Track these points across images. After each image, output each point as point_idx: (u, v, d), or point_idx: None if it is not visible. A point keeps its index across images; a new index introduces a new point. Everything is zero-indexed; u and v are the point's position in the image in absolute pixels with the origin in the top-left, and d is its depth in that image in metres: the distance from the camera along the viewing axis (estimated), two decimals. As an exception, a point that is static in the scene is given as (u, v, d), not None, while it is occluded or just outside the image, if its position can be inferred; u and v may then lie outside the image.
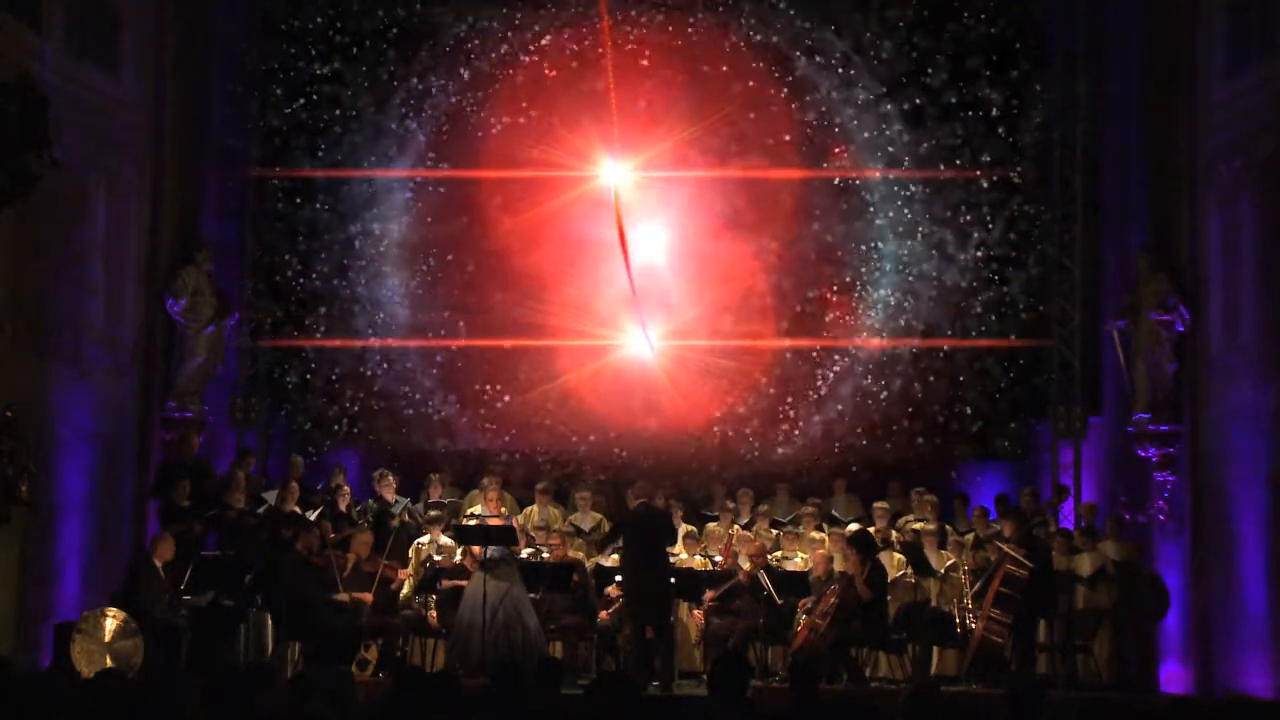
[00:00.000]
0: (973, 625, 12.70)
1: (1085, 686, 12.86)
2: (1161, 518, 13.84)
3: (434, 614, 12.93)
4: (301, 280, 15.25)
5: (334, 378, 15.17)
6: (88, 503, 12.95)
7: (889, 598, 12.91)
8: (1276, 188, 12.49)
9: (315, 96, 15.22)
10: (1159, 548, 13.87)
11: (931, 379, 15.06)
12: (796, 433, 15.06)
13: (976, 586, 12.84)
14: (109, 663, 10.99)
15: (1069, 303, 15.23)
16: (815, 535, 13.83)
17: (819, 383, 15.13)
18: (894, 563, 13.40)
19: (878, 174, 15.15)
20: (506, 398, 15.06)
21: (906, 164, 15.06)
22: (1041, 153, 15.25)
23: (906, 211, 15.17)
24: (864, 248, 15.23)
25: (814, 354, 15.18)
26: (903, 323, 15.11)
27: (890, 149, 15.08)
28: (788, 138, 15.08)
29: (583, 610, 12.89)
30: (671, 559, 12.76)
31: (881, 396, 15.04)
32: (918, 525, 13.84)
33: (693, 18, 15.15)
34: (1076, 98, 15.15)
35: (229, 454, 14.69)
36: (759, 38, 15.13)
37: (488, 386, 15.10)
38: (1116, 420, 14.53)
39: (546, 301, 15.05)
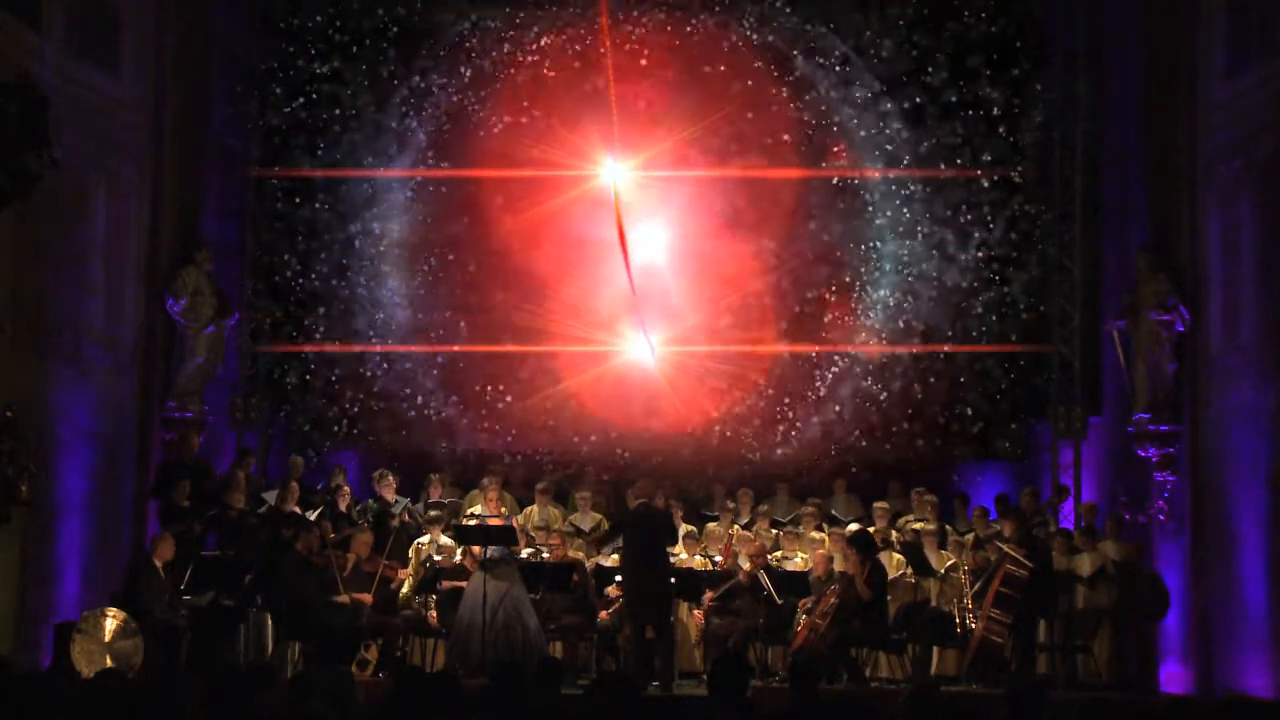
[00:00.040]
0: (973, 625, 12.70)
1: (1085, 686, 12.86)
2: (1161, 518, 13.84)
3: (434, 614, 12.93)
4: (301, 280, 15.24)
5: (333, 379, 15.17)
6: (88, 503, 12.95)
7: (889, 598, 12.90)
8: (1276, 188, 12.49)
9: (315, 96, 15.22)
10: (1159, 548, 13.87)
11: (932, 380, 15.06)
12: (794, 434, 15.05)
13: (976, 586, 12.83)
14: (109, 663, 10.98)
15: (1069, 303, 15.23)
16: (815, 535, 13.83)
17: (818, 384, 15.12)
18: (894, 563, 13.40)
19: (877, 174, 15.15)
20: (508, 398, 15.06)
21: (906, 163, 15.06)
22: (1041, 152, 15.25)
23: (906, 211, 15.17)
24: (864, 248, 15.23)
25: (813, 355, 15.18)
26: (902, 323, 15.11)
27: (889, 148, 15.08)
28: (787, 137, 15.08)
29: (583, 610, 12.88)
30: (671, 559, 12.76)
31: (882, 398, 15.04)
32: (918, 525, 13.84)
33: (693, 18, 15.15)
34: (1076, 98, 15.15)
35: (229, 454, 14.69)
36: (759, 37, 15.13)
37: (488, 388, 15.09)
38: (1116, 420, 14.53)
39: (547, 301, 15.05)
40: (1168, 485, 13.81)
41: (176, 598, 12.14)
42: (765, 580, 12.74)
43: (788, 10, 15.10)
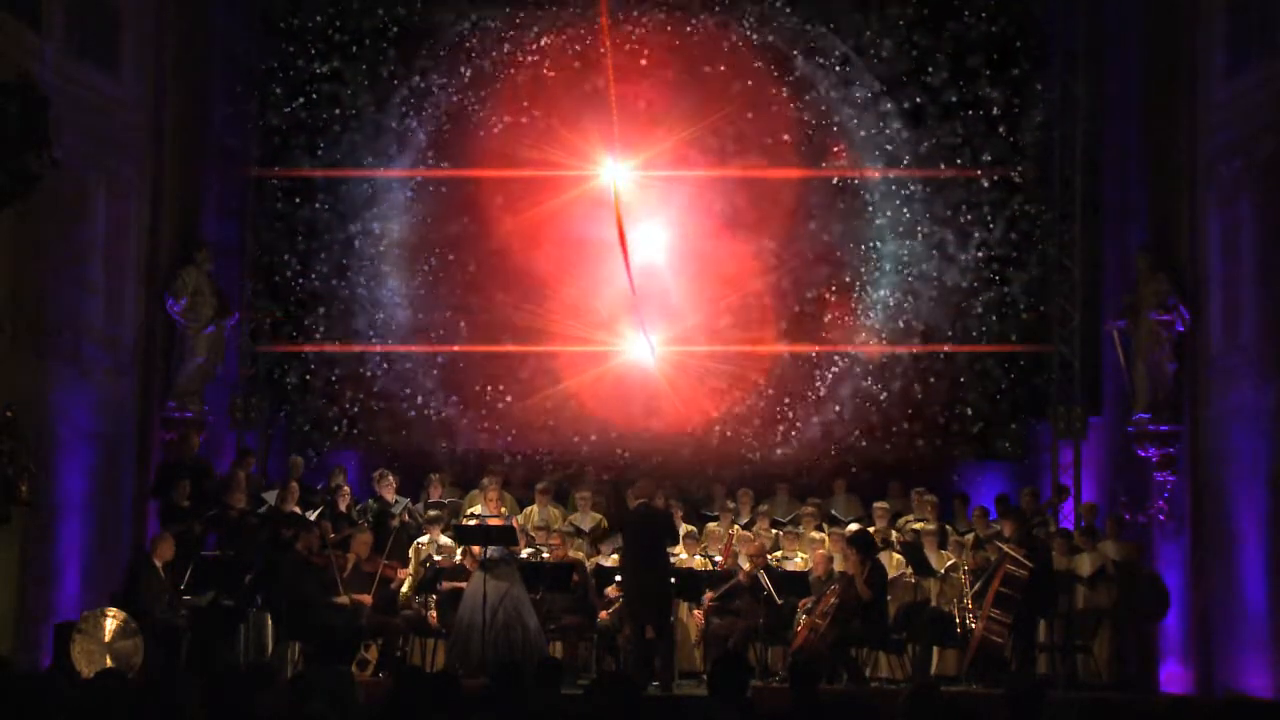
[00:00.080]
0: (973, 625, 12.70)
1: (1085, 686, 12.86)
2: (1161, 518, 13.83)
3: (434, 614, 12.92)
4: (301, 280, 15.24)
5: (333, 379, 15.17)
6: (88, 503, 12.95)
7: (889, 598, 12.90)
8: (1276, 188, 12.49)
9: (315, 96, 15.21)
10: (1159, 548, 13.87)
11: (932, 380, 15.06)
12: (794, 434, 15.05)
13: (976, 586, 12.83)
14: (109, 663, 10.98)
15: (1069, 303, 15.23)
16: (815, 535, 13.83)
17: (818, 384, 15.12)
18: (894, 563, 13.40)
19: (877, 174, 15.15)
20: (509, 398, 15.05)
21: (906, 163, 15.06)
22: (1041, 152, 15.25)
23: (906, 211, 15.16)
24: (864, 248, 15.23)
25: (814, 355, 15.18)
26: (902, 324, 15.11)
27: (889, 147, 15.08)
28: (787, 137, 15.08)
29: (583, 610, 12.89)
30: (671, 559, 12.76)
31: (882, 398, 15.04)
32: (918, 525, 13.84)
33: (693, 18, 15.14)
34: (1076, 98, 15.15)
35: (229, 454, 14.69)
36: (759, 37, 15.13)
37: (489, 388, 15.09)
38: (1116, 420, 14.53)
39: (547, 301, 15.04)
40: (1168, 485, 13.81)
41: (176, 598, 12.14)
42: (765, 580, 12.74)
43: (788, 10, 15.10)
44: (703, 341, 15.06)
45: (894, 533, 13.92)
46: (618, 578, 12.72)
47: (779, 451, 15.06)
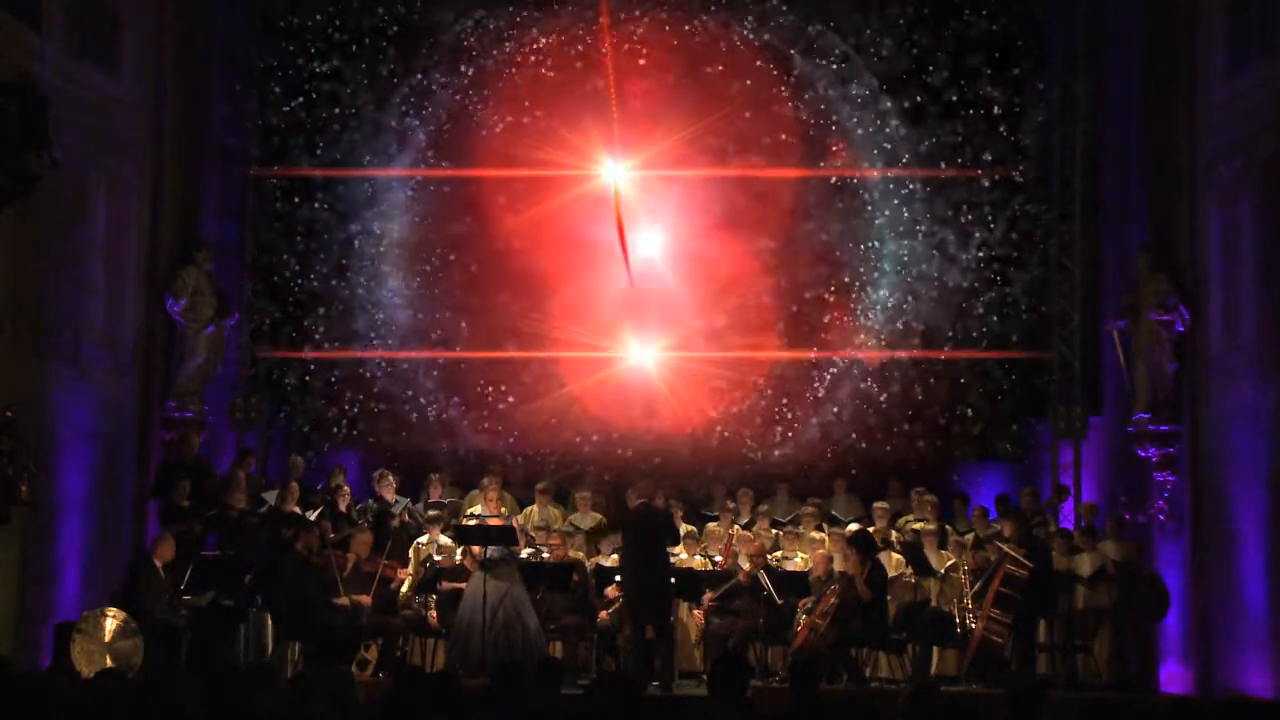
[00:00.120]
0: (973, 625, 12.70)
1: (1085, 686, 12.86)
2: (1161, 518, 13.83)
3: (434, 614, 12.92)
4: (301, 281, 15.23)
5: (333, 379, 15.15)
6: (88, 503, 12.95)
7: (889, 598, 12.91)
8: (1276, 188, 12.48)
9: (314, 95, 15.20)
10: (1159, 548, 13.87)
11: (932, 381, 15.05)
12: (793, 435, 15.05)
13: (976, 586, 12.83)
14: (109, 663, 10.98)
15: (1069, 303, 15.23)
16: (815, 535, 13.83)
17: (818, 386, 15.12)
18: (894, 563, 13.40)
19: (878, 173, 15.14)
20: (510, 399, 15.04)
21: (905, 161, 15.05)
22: (1041, 152, 15.24)
23: (906, 211, 15.16)
24: (864, 248, 15.22)
25: (815, 352, 15.17)
26: (901, 325, 15.10)
27: (887, 146, 15.07)
28: (784, 136, 15.05)
29: (583, 610, 12.89)
30: (672, 559, 12.76)
31: (882, 400, 15.03)
32: (918, 525, 13.84)
33: (693, 18, 15.13)
34: (1076, 98, 15.14)
35: (229, 454, 14.69)
36: (760, 37, 15.12)
37: (490, 389, 15.08)
38: (1116, 420, 14.53)
39: (548, 301, 15.02)
40: (1168, 485, 13.81)
41: (176, 598, 12.14)
42: (765, 580, 12.73)
43: (787, 10, 15.08)
44: (702, 344, 15.04)
45: (894, 533, 13.92)
46: (618, 578, 12.72)
47: (778, 452, 15.05)
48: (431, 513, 13.60)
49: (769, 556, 13.20)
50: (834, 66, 15.09)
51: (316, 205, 15.18)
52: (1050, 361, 15.21)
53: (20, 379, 11.93)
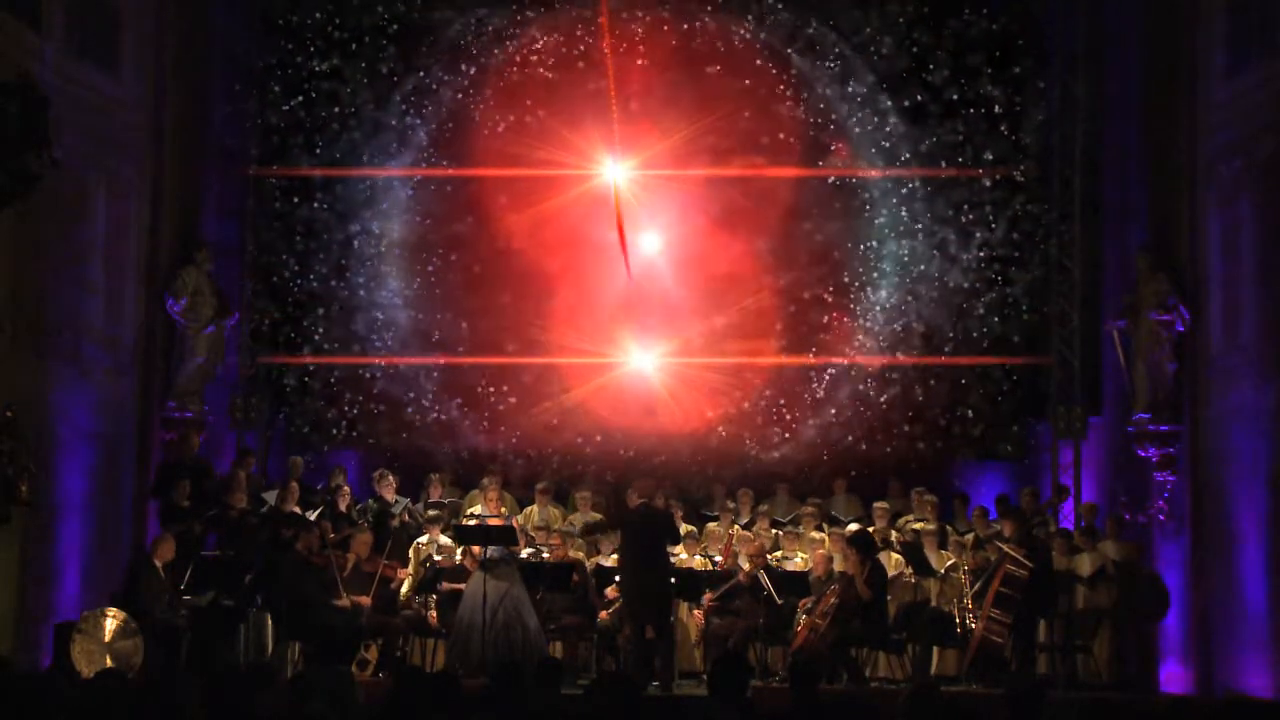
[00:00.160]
0: (973, 625, 12.69)
1: (1085, 686, 12.86)
2: (1161, 518, 13.83)
3: (434, 614, 12.92)
4: (300, 281, 15.22)
5: (333, 380, 15.14)
6: (88, 503, 12.95)
7: (889, 598, 12.90)
8: (1276, 188, 12.48)
9: (314, 94, 15.19)
10: (1159, 548, 13.87)
11: (932, 382, 15.04)
12: (791, 435, 15.04)
13: (976, 586, 12.83)
14: (109, 663, 10.98)
15: (1069, 303, 15.23)
16: (815, 535, 13.83)
17: (816, 386, 15.11)
18: (894, 563, 13.40)
19: (877, 173, 15.14)
20: (512, 399, 15.03)
21: (905, 159, 15.04)
22: (1042, 152, 15.24)
23: (904, 211, 15.15)
24: (864, 248, 15.22)
25: (813, 355, 15.16)
26: (901, 325, 15.09)
27: (888, 146, 15.07)
28: (783, 135, 15.05)
29: (583, 610, 12.88)
30: (672, 559, 12.75)
31: (882, 400, 15.03)
32: (918, 525, 13.84)
33: (693, 18, 15.13)
34: (1076, 98, 15.14)
35: (229, 454, 14.69)
36: (760, 36, 15.12)
37: (490, 389, 15.07)
38: (1116, 420, 14.53)
39: (549, 302, 15.01)
40: (1168, 485, 13.81)
41: (176, 598, 12.14)
42: (765, 580, 12.73)
43: (785, 9, 15.08)
44: (702, 347, 15.03)
45: (894, 533, 13.92)
46: (618, 578, 12.72)
47: (777, 453, 15.05)
48: (431, 513, 13.59)
49: (769, 556, 13.20)
50: (833, 66, 15.08)
51: (316, 205, 15.17)
52: (1050, 364, 15.19)
53: (20, 379, 11.93)
